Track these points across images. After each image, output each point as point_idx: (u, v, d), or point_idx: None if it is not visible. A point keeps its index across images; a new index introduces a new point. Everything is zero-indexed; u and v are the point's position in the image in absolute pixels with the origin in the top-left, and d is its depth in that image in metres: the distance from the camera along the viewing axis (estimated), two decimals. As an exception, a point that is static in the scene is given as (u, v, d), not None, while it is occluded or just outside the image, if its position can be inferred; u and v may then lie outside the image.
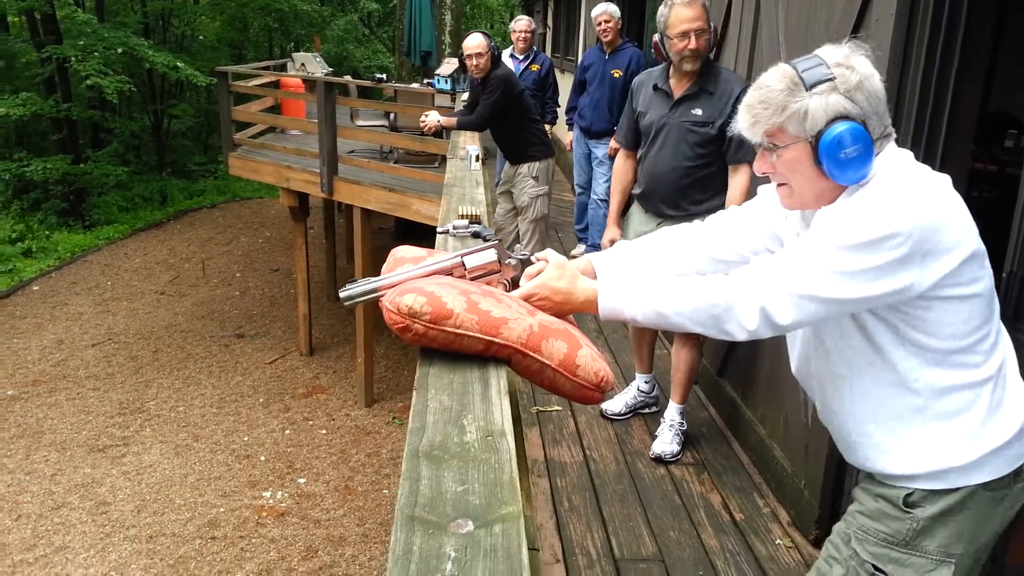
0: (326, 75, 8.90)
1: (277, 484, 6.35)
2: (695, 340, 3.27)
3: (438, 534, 0.85)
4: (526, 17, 6.73)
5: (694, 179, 3.06)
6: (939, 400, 1.36)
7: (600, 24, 5.32)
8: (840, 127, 1.27)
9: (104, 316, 9.89)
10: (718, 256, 1.60)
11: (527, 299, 1.46)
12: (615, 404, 3.65)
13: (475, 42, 4.48)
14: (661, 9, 2.97)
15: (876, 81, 1.32)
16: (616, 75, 5.33)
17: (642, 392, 3.66)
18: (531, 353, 1.33)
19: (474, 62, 4.48)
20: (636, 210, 3.34)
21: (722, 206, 3.06)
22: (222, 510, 5.99)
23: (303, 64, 10.04)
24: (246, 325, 9.57)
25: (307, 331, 8.58)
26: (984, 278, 1.33)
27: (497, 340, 1.30)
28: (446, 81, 7.50)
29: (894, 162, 1.33)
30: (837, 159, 1.28)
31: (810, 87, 1.29)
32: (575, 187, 6.24)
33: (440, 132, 5.32)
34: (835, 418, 1.50)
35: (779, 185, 1.41)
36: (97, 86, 12.48)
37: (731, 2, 3.67)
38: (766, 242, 1.57)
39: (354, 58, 18.89)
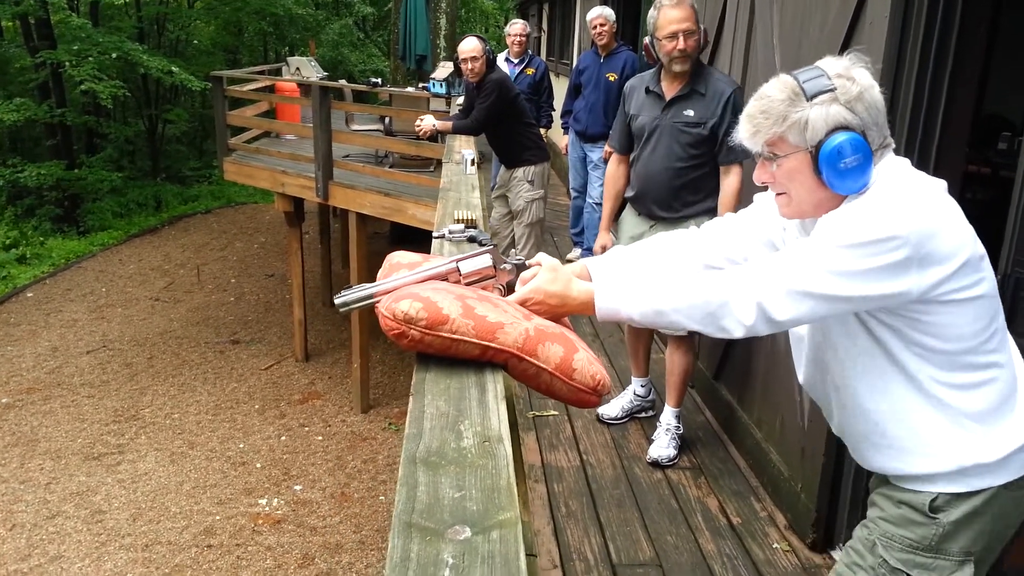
0: (321, 79, 8.89)
1: (273, 491, 6.32)
2: (688, 343, 3.27)
3: (435, 541, 0.85)
4: (521, 21, 6.74)
5: (686, 180, 3.06)
6: (955, 400, 1.37)
7: (595, 28, 5.33)
8: (840, 137, 1.29)
9: (99, 323, 9.86)
10: (712, 263, 1.61)
11: (522, 304, 1.46)
12: (612, 408, 3.64)
13: (470, 46, 4.48)
14: (651, 11, 2.99)
15: (876, 92, 1.34)
16: (611, 79, 5.34)
17: (638, 396, 3.65)
18: (527, 357, 1.33)
19: (469, 66, 4.49)
20: (628, 213, 3.34)
21: (714, 208, 3.07)
22: (218, 518, 5.96)
23: (298, 68, 10.05)
24: (241, 331, 9.54)
25: (303, 337, 8.56)
26: (986, 279, 1.34)
27: (493, 345, 1.30)
28: (441, 85, 7.51)
29: (892, 170, 1.34)
30: (837, 169, 1.30)
31: (811, 97, 1.31)
32: (571, 191, 6.25)
33: (435, 136, 5.32)
34: (855, 424, 1.50)
35: (778, 194, 1.42)
36: (91, 91, 12.46)
37: (726, 5, 3.68)
38: (760, 250, 1.57)
39: (349, 62, 18.89)
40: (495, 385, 1.27)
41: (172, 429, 7.29)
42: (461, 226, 2.20)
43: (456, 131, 4.75)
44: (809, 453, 2.75)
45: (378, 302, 1.35)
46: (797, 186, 1.37)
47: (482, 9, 24.60)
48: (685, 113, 3.00)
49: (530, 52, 6.55)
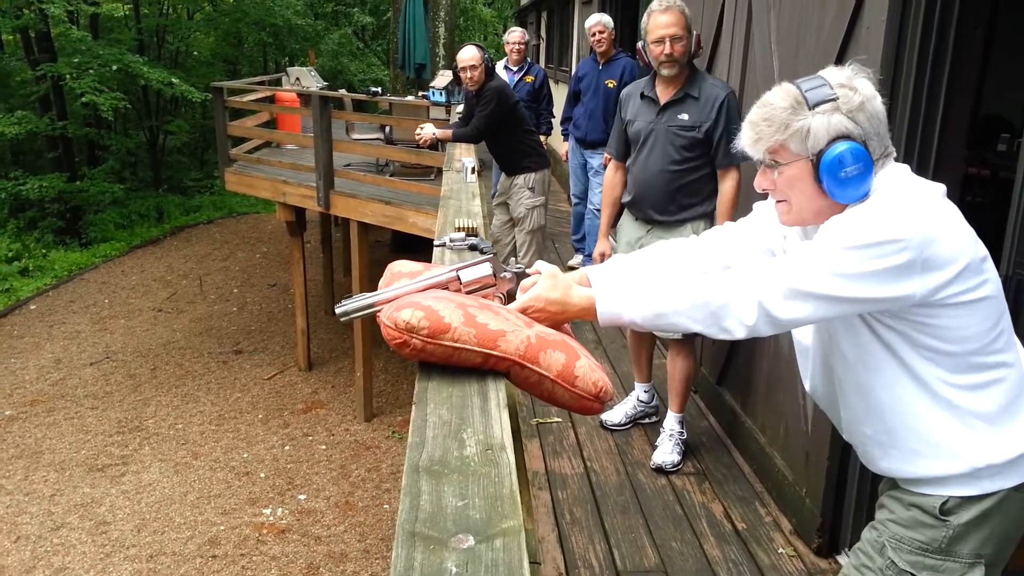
0: (321, 89, 8.92)
1: (277, 501, 6.32)
2: (690, 348, 3.27)
3: (439, 549, 0.85)
4: (520, 29, 6.76)
5: (682, 183, 3.08)
6: (963, 400, 1.38)
7: (594, 35, 5.34)
8: (841, 146, 1.31)
9: (102, 334, 9.87)
10: (712, 271, 1.61)
11: (523, 311, 1.46)
12: (615, 415, 3.64)
13: (469, 54, 4.50)
14: (644, 17, 3.03)
15: (878, 103, 1.35)
16: (610, 85, 5.35)
17: (642, 402, 3.65)
18: (529, 365, 1.33)
19: (468, 74, 4.50)
20: (626, 218, 3.36)
21: (711, 212, 3.09)
22: (222, 528, 5.96)
23: (298, 78, 10.08)
24: (244, 341, 9.55)
25: (305, 346, 8.57)
26: (990, 280, 1.34)
27: (495, 353, 1.30)
28: (441, 94, 7.53)
29: (892, 177, 1.35)
30: (837, 177, 1.31)
31: (813, 106, 1.32)
32: (571, 197, 6.25)
33: (436, 144, 5.33)
34: (863, 428, 1.50)
35: (778, 201, 1.43)
36: (92, 103, 12.50)
37: (723, 10, 3.69)
38: (760, 258, 1.58)
39: (349, 72, 18.95)
40: (497, 393, 1.27)
41: (176, 440, 7.29)
42: (462, 234, 2.21)
43: (456, 139, 4.76)
44: (813, 458, 2.75)
45: (379, 311, 1.36)
46: (798, 194, 1.38)
47: (481, 17, 24.67)
48: (679, 117, 3.03)
49: (529, 60, 6.56)
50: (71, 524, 6.01)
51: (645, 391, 3.64)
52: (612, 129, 3.45)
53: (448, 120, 6.79)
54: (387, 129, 7.80)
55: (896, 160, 1.40)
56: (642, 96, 3.16)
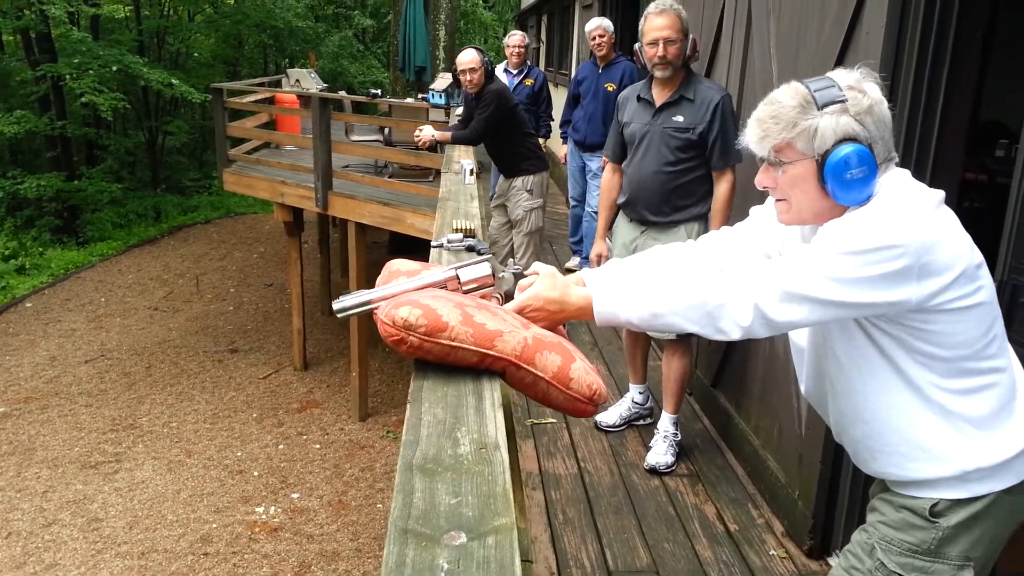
0: (321, 91, 8.93)
1: (270, 499, 6.31)
2: (685, 348, 3.28)
3: (431, 546, 0.85)
4: (520, 32, 6.78)
5: (676, 184, 3.10)
6: (955, 405, 1.38)
7: (594, 38, 5.36)
8: (847, 148, 1.31)
9: (97, 332, 9.86)
10: (708, 273, 1.61)
11: (521, 311, 1.46)
12: (609, 416, 3.64)
13: (469, 57, 4.50)
14: (641, 19, 3.07)
15: (885, 108, 1.35)
16: (610, 88, 5.36)
17: (636, 404, 3.66)
18: (525, 366, 1.33)
19: (468, 77, 4.51)
20: (621, 219, 3.38)
21: (705, 213, 3.11)
22: (215, 526, 5.95)
23: (298, 80, 10.09)
24: (240, 340, 9.54)
25: (301, 346, 8.56)
26: (984, 287, 1.35)
27: (492, 353, 1.30)
28: (440, 96, 7.53)
29: (892, 182, 1.36)
30: (842, 179, 1.31)
31: (821, 107, 1.33)
32: (569, 200, 6.26)
33: (435, 147, 5.34)
34: (855, 430, 1.50)
35: (778, 200, 1.43)
36: (92, 103, 12.49)
37: (723, 14, 3.71)
38: (757, 262, 1.58)
39: (349, 74, 18.94)
40: (492, 393, 1.27)
41: (170, 438, 7.28)
42: (460, 235, 2.21)
43: (455, 141, 4.77)
44: (806, 460, 2.76)
45: (377, 308, 1.36)
46: (799, 194, 1.38)
47: (481, 21, 24.70)
48: (674, 119, 3.05)
49: (529, 63, 6.58)
50: (63, 521, 5.99)
51: (640, 392, 3.65)
52: (610, 131, 3.46)
53: (447, 122, 6.80)
54: (386, 131, 7.80)
55: (896, 164, 1.41)
56: (638, 98, 3.20)
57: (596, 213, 5.49)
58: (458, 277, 1.49)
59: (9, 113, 12.84)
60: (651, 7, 3.02)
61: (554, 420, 3.69)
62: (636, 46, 3.12)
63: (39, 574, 5.41)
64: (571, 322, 1.68)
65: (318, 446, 7.15)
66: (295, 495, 6.37)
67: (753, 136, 1.39)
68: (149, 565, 5.49)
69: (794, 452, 2.86)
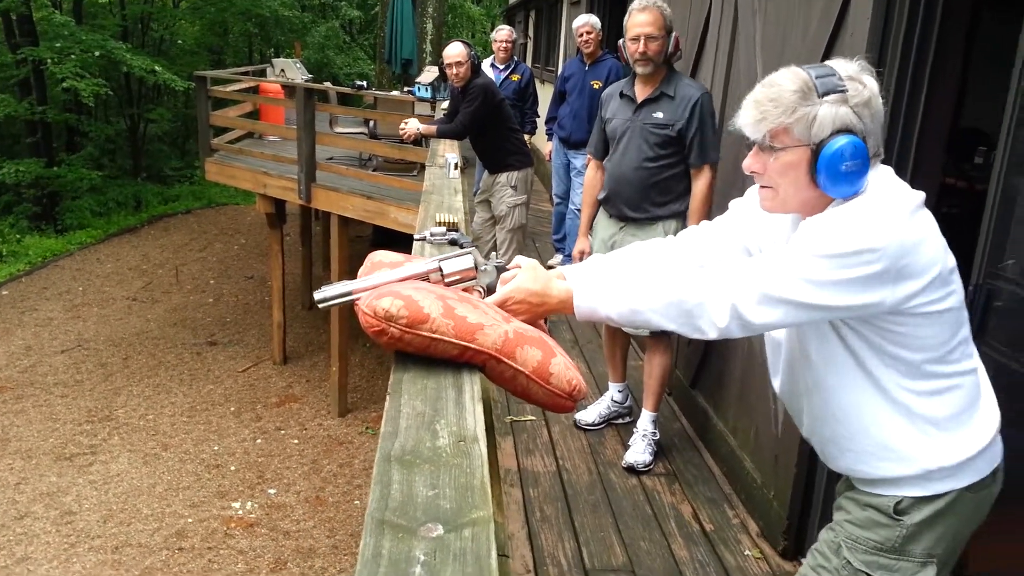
0: (306, 81, 8.87)
1: (247, 495, 6.27)
2: (666, 346, 3.30)
3: (408, 538, 0.85)
4: (507, 27, 6.76)
5: (655, 181, 3.13)
6: (919, 406, 1.39)
7: (581, 35, 5.36)
8: (844, 140, 1.29)
9: (74, 322, 9.74)
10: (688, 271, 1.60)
11: (502, 304, 1.46)
12: (588, 414, 3.65)
13: (455, 51, 4.49)
14: (626, 15, 3.09)
15: (880, 102, 1.34)
16: (596, 86, 5.36)
17: (615, 403, 3.66)
18: (505, 359, 1.33)
19: (454, 71, 4.49)
20: (601, 215, 3.40)
21: (683, 211, 3.13)
22: (190, 521, 5.90)
23: (283, 70, 10.01)
24: (219, 333, 9.46)
25: (281, 339, 8.51)
26: (956, 292, 1.36)
27: (472, 346, 1.30)
28: (426, 89, 7.51)
29: (878, 180, 1.35)
30: (836, 171, 1.29)
31: (822, 95, 1.30)
32: (553, 197, 6.27)
33: (419, 140, 5.32)
34: (824, 428, 1.51)
35: (763, 187, 1.41)
36: (73, 89, 12.33)
37: (710, 14, 3.72)
38: (737, 257, 1.58)
39: (334, 65, 18.85)
40: (472, 386, 1.27)
41: (146, 430, 7.21)
42: (443, 229, 2.20)
43: (440, 135, 4.75)
44: (782, 462, 2.77)
45: (358, 299, 1.35)
46: (788, 182, 1.36)
47: (469, 15, 24.67)
48: (654, 115, 3.08)
49: (516, 58, 6.57)
50: (36, 513, 5.92)
51: (619, 391, 3.66)
52: (593, 129, 3.48)
53: (433, 116, 6.78)
54: (371, 123, 7.77)
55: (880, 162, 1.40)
56: (621, 95, 3.23)
57: (579, 211, 5.51)
58: (441, 269, 1.48)
59: (-12, 97, 12.66)
60: (634, 3, 3.04)
61: (533, 418, 3.69)
62: (620, 42, 3.15)
63: (10, 568, 5.34)
64: (552, 320, 1.68)
65: (296, 441, 7.11)
66: (272, 491, 6.33)
67: (749, 118, 1.36)
68: (123, 559, 5.43)
69: (770, 453, 2.88)
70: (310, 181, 7.09)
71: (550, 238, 6.56)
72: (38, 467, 6.55)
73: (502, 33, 6.46)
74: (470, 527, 0.88)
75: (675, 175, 3.13)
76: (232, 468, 6.62)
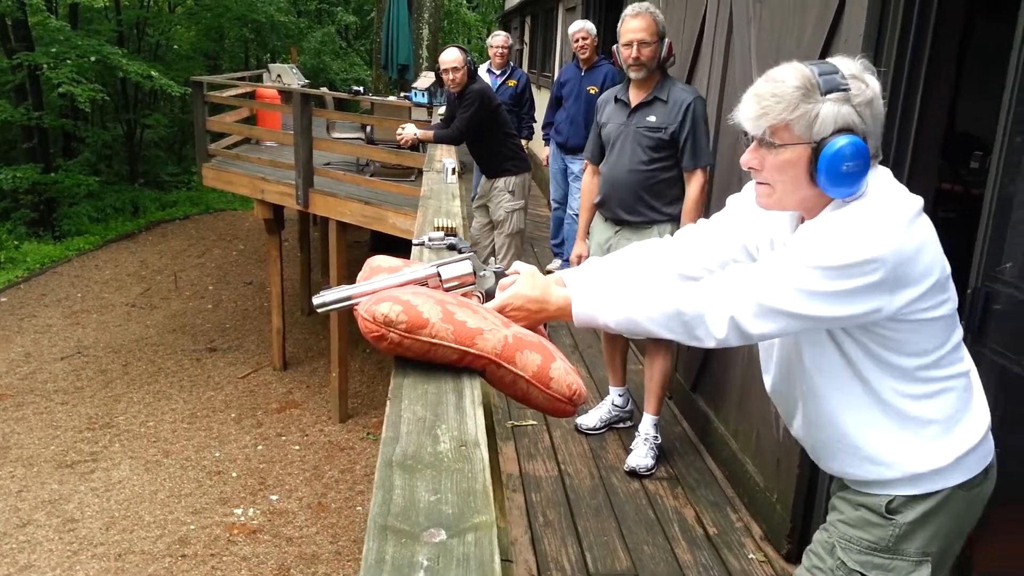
0: (302, 87, 8.88)
1: (249, 501, 6.26)
2: (667, 349, 3.30)
3: (410, 543, 0.85)
4: (503, 33, 6.78)
5: (649, 184, 3.16)
6: (912, 409, 1.39)
7: (577, 41, 5.37)
8: (845, 140, 1.27)
9: (73, 329, 9.73)
10: (687, 272, 1.60)
11: (501, 310, 1.46)
12: (590, 419, 3.65)
13: (452, 56, 4.50)
14: (620, 21, 3.13)
15: (881, 102, 1.32)
16: (592, 91, 5.37)
17: (616, 407, 3.67)
18: (505, 364, 1.33)
19: (451, 76, 4.50)
20: (597, 219, 3.43)
21: (678, 215, 3.16)
22: (192, 527, 5.89)
23: (279, 75, 10.03)
24: (218, 339, 9.46)
25: (281, 345, 8.50)
26: (950, 299, 1.36)
27: (472, 351, 1.30)
28: (423, 95, 7.52)
29: (877, 183, 1.33)
30: (836, 171, 1.27)
31: (825, 92, 1.28)
32: (551, 202, 6.28)
33: (417, 145, 5.33)
34: (817, 431, 1.51)
35: (760, 183, 1.39)
36: (69, 94, 12.35)
37: (704, 21, 3.73)
38: (735, 255, 1.57)
39: (331, 70, 18.87)
40: (472, 391, 1.28)
41: (147, 437, 7.20)
42: (441, 234, 2.21)
43: (437, 140, 4.76)
44: (784, 464, 2.78)
45: (357, 304, 1.36)
46: (785, 180, 1.34)
47: (465, 20, 24.72)
48: (648, 119, 3.12)
49: (512, 64, 6.58)
50: (38, 521, 5.91)
51: (620, 395, 3.66)
52: (590, 134, 3.51)
53: (430, 121, 6.79)
54: (368, 129, 7.78)
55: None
56: (615, 100, 3.27)
57: (577, 215, 5.52)
58: (439, 274, 1.49)
59: (-16, 103, 12.67)
60: (627, 10, 3.09)
61: (535, 422, 3.69)
62: (614, 47, 3.19)
63: (13, 575, 5.33)
64: (552, 324, 1.68)
65: (297, 447, 7.10)
66: (274, 497, 6.33)
67: (750, 112, 1.33)
68: (126, 567, 5.43)
69: (772, 456, 2.88)
70: (308, 186, 7.10)
71: (548, 243, 6.57)
72: (39, 475, 6.54)
73: (498, 39, 6.48)
74: (473, 532, 0.88)
75: (669, 179, 3.16)
76: (234, 474, 6.62)
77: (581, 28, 5.38)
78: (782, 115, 1.29)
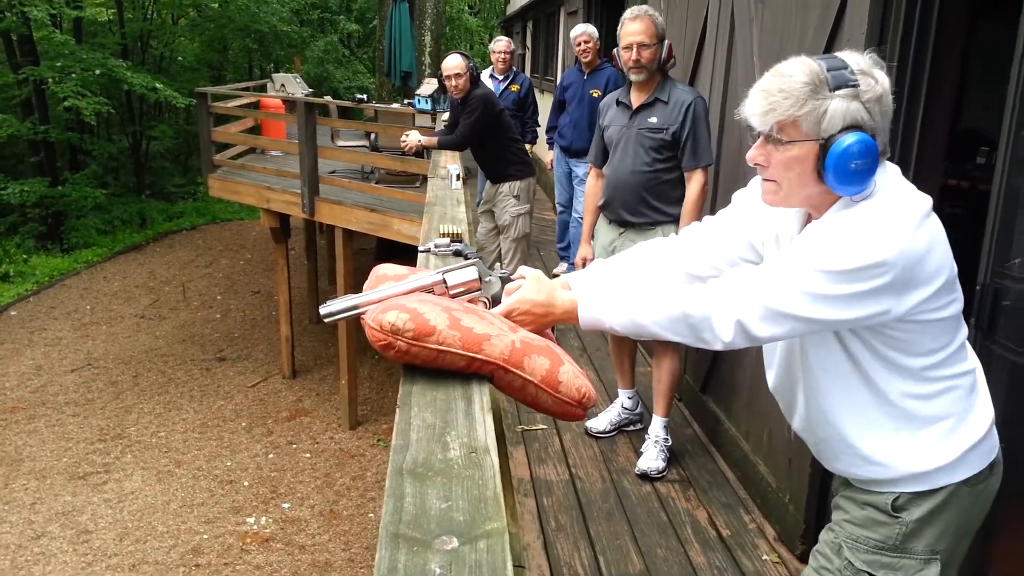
0: (306, 96, 8.91)
1: (261, 509, 6.27)
2: (675, 350, 3.30)
3: (423, 551, 0.85)
4: (505, 38, 6.79)
5: (652, 185, 3.17)
6: (918, 409, 1.39)
7: (579, 45, 5.38)
8: (854, 137, 1.24)
9: (83, 341, 9.78)
10: (694, 271, 1.59)
11: (508, 315, 1.47)
12: (599, 422, 3.65)
13: (454, 62, 4.51)
14: (619, 25, 3.15)
15: (890, 99, 1.30)
16: (595, 95, 5.38)
17: (626, 409, 3.66)
18: (513, 369, 1.34)
19: (453, 82, 4.52)
20: (601, 222, 3.45)
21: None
22: (205, 537, 5.91)
23: (283, 85, 10.07)
24: (228, 348, 9.49)
25: (289, 353, 8.52)
26: (957, 300, 1.35)
27: (479, 356, 1.31)
28: (426, 101, 7.55)
29: (886, 182, 1.31)
30: (844, 169, 1.25)
31: (834, 88, 1.25)
32: (556, 206, 6.28)
33: (421, 152, 5.34)
34: (819, 430, 1.50)
35: (766, 179, 1.37)
36: (75, 108, 12.42)
37: (706, 22, 3.73)
38: (742, 252, 1.55)
39: (334, 79, 18.93)
40: (481, 397, 1.28)
41: (158, 448, 7.22)
42: (447, 240, 2.22)
43: (441, 146, 4.77)
44: (796, 464, 2.77)
45: (364, 313, 1.36)
46: (792, 176, 1.32)
47: (467, 26, 24.76)
48: (649, 120, 3.14)
49: (514, 69, 6.60)
50: (52, 533, 5.93)
51: (629, 397, 3.66)
52: (593, 138, 3.52)
53: (434, 128, 6.80)
54: (372, 136, 7.80)
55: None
56: (617, 103, 3.29)
57: (583, 219, 5.52)
58: (445, 281, 1.49)
59: (-9, 118, 12.76)
60: (627, 13, 3.11)
61: (544, 426, 3.69)
62: (614, 51, 3.21)
63: (26, 586, 5.36)
64: (560, 328, 1.68)
65: (308, 455, 7.11)
66: (286, 505, 6.34)
67: (757, 108, 1.30)
68: (138, 576, 5.45)
69: (784, 457, 2.87)
70: (313, 195, 7.12)
71: (554, 247, 6.57)
72: (52, 487, 6.57)
73: (500, 44, 6.49)
74: (484, 539, 0.88)
75: (672, 180, 3.17)
76: (245, 483, 6.63)
77: (583, 32, 5.39)
78: (789, 111, 1.27)
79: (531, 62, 12.98)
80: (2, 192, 12.93)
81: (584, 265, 3.50)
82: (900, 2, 2.27)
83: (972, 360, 1.45)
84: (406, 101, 9.06)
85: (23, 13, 12.20)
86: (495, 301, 1.53)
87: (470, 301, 1.50)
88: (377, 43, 12.85)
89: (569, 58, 6.82)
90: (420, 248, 2.23)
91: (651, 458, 3.31)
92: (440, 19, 12.64)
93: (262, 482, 6.65)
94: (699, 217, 3.07)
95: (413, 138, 4.83)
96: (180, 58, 18.26)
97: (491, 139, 4.63)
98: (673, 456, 3.42)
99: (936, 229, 1.29)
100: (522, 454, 3.46)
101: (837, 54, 1.30)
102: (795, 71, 1.28)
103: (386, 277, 1.55)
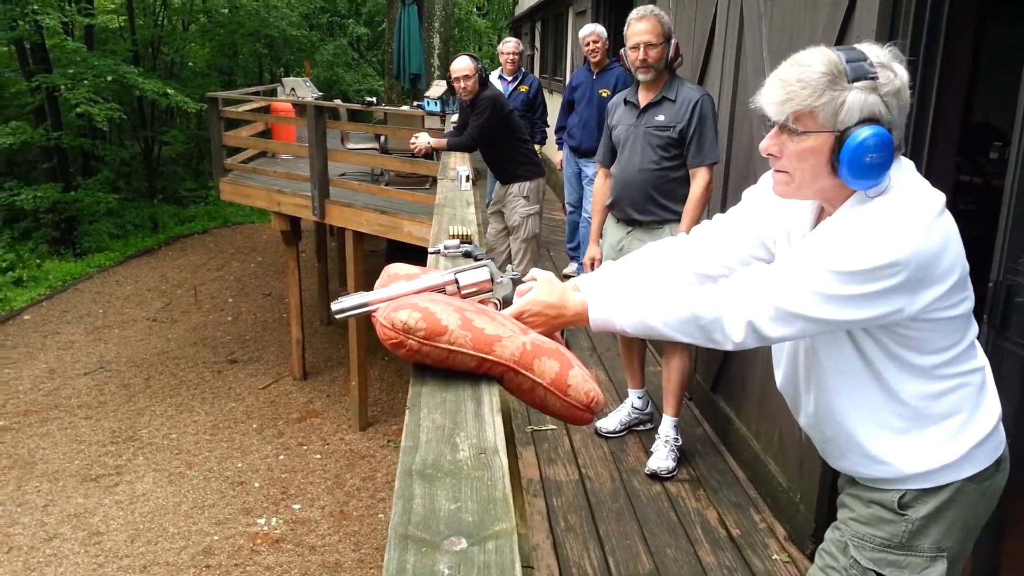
0: (316, 99, 8.94)
1: (272, 511, 6.29)
2: (684, 349, 3.30)
3: (431, 552, 0.85)
4: (514, 39, 6.79)
5: (659, 183, 3.17)
6: (926, 407, 1.38)
7: (588, 45, 5.38)
8: (870, 130, 1.22)
9: (96, 344, 9.84)
10: (705, 271, 1.58)
11: (519, 316, 1.46)
12: (609, 422, 3.64)
13: (463, 64, 4.52)
14: (626, 25, 3.16)
15: (908, 93, 1.28)
16: (604, 94, 5.38)
17: (636, 409, 3.65)
18: (523, 371, 1.33)
19: (462, 84, 4.52)
20: (609, 221, 3.45)
21: None
22: (216, 538, 5.93)
23: (293, 89, 10.10)
24: (239, 350, 9.53)
25: (300, 355, 8.55)
26: (968, 298, 1.34)
27: (490, 357, 1.30)
28: (435, 103, 7.56)
29: (900, 178, 1.30)
30: (859, 163, 1.23)
31: (852, 80, 1.23)
32: (566, 206, 6.28)
33: (430, 154, 5.34)
34: (826, 428, 1.50)
35: (778, 171, 1.35)
36: (87, 114, 12.52)
37: (715, 19, 3.72)
38: (753, 250, 1.54)
39: (344, 82, 18.99)
40: (491, 398, 1.28)
41: (170, 449, 7.26)
42: (456, 241, 2.21)
43: (451, 148, 4.78)
44: (807, 464, 2.75)
45: (375, 311, 1.36)
46: (806, 168, 1.29)
47: (475, 28, 24.79)
48: (656, 118, 3.14)
49: (523, 69, 6.59)
50: (64, 535, 5.97)
51: (639, 397, 3.65)
52: (601, 137, 3.52)
53: (443, 129, 6.81)
54: (382, 138, 7.82)
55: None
56: (625, 102, 3.30)
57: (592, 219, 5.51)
58: (457, 281, 1.49)
59: (4, 124, 12.86)
60: (633, 13, 3.12)
61: (555, 427, 3.69)
62: (621, 50, 3.22)
63: (40, 588, 5.39)
64: (570, 328, 1.68)
65: (319, 456, 7.13)
66: (296, 506, 6.36)
67: (774, 97, 1.27)
68: (150, 577, 5.47)
69: (795, 456, 2.86)
70: (324, 197, 7.14)
71: (564, 247, 6.56)
72: (65, 489, 6.61)
73: (509, 45, 6.50)
74: (493, 540, 0.88)
75: (679, 178, 3.17)
76: (256, 485, 6.66)
77: (592, 32, 5.38)
78: (807, 101, 1.24)
79: (540, 63, 12.98)
80: (16, 198, 13.05)
81: (592, 265, 3.50)
82: (910, -2, 2.26)
83: (981, 358, 1.44)
84: (415, 103, 9.08)
85: (36, 21, 12.30)
86: (506, 302, 1.53)
87: (481, 302, 1.50)
88: (386, 46, 12.88)
89: (578, 58, 6.82)
90: (430, 249, 2.23)
91: (661, 458, 3.30)
92: (449, 21, 12.66)
93: (273, 483, 6.67)
94: (702, 215, 3.06)
95: (423, 140, 4.83)
96: (191, 63, 18.37)
97: (500, 140, 4.63)
98: (683, 456, 3.40)
99: (949, 227, 1.27)
100: (532, 454, 3.46)
101: (856, 46, 1.28)
102: (814, 61, 1.25)
103: (398, 276, 1.55)
